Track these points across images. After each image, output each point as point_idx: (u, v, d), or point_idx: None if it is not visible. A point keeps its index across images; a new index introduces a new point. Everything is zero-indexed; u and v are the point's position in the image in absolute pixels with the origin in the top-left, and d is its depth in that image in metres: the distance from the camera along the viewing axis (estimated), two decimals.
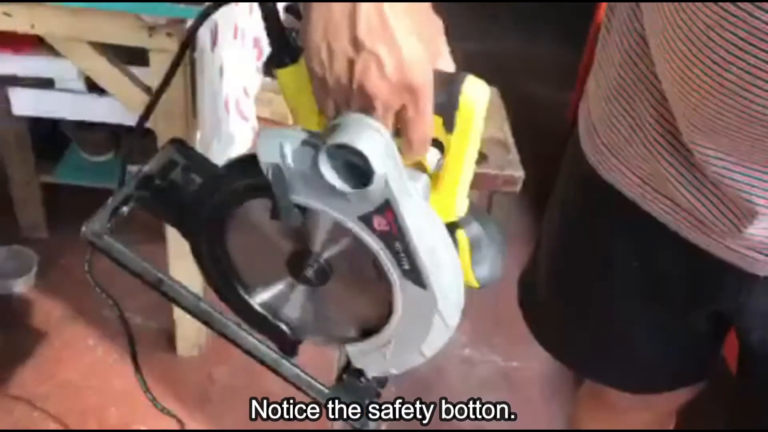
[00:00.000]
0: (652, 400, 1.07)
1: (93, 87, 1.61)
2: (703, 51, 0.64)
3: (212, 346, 1.76)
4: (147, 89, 1.40)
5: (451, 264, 0.62)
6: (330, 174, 0.57)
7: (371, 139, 0.55)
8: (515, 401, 1.77)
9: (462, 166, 0.62)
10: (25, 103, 1.68)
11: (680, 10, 0.66)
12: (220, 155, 1.49)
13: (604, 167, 0.86)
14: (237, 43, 1.58)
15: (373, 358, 0.70)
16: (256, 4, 0.65)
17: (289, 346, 0.74)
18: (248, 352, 0.73)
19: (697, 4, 0.63)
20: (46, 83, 1.64)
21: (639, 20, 0.77)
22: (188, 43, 0.71)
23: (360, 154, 0.55)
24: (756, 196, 0.72)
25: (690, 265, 0.84)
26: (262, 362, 0.72)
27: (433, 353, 0.68)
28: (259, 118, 1.77)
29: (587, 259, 0.95)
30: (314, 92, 0.60)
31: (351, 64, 0.55)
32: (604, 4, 2.19)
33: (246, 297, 0.73)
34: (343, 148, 0.55)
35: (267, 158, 0.59)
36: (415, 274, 0.61)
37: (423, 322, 0.65)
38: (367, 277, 0.65)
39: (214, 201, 0.67)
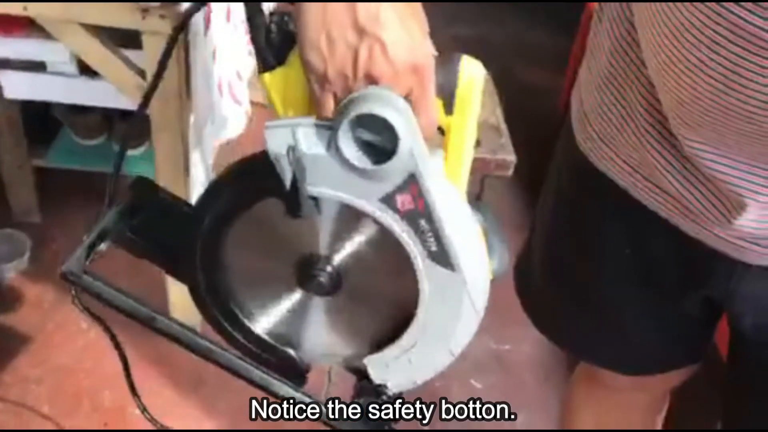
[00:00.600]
0: (646, 381, 1.08)
1: (85, 70, 1.60)
2: (686, 47, 0.65)
3: (206, 328, 1.76)
4: (140, 72, 1.40)
5: (477, 240, 0.60)
6: (351, 152, 0.55)
7: (393, 107, 0.54)
8: (508, 384, 1.78)
9: (464, 147, 0.61)
10: (16, 86, 1.67)
11: (664, 7, 0.66)
12: (214, 138, 1.49)
13: (596, 155, 0.86)
14: (229, 26, 1.58)
15: (396, 368, 0.66)
16: None
17: (298, 374, 0.70)
18: (254, 383, 0.69)
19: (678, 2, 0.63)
20: (38, 66, 1.63)
21: (630, 8, 0.77)
22: (182, 27, 0.69)
23: (384, 124, 0.53)
24: (744, 189, 0.72)
25: (681, 253, 0.85)
26: (272, 393, 0.68)
27: (461, 349, 0.65)
28: (252, 103, 1.77)
29: (580, 246, 0.96)
30: (310, 90, 0.59)
31: (354, 51, 0.55)
32: None
33: (251, 327, 0.69)
34: (363, 122, 0.54)
35: (279, 146, 0.56)
36: (442, 255, 0.59)
37: (452, 310, 0.62)
38: (386, 272, 0.62)
39: (212, 216, 0.63)
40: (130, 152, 1.91)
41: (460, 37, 2.82)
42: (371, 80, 0.56)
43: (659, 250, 0.87)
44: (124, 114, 1.84)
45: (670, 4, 0.65)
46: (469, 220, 0.60)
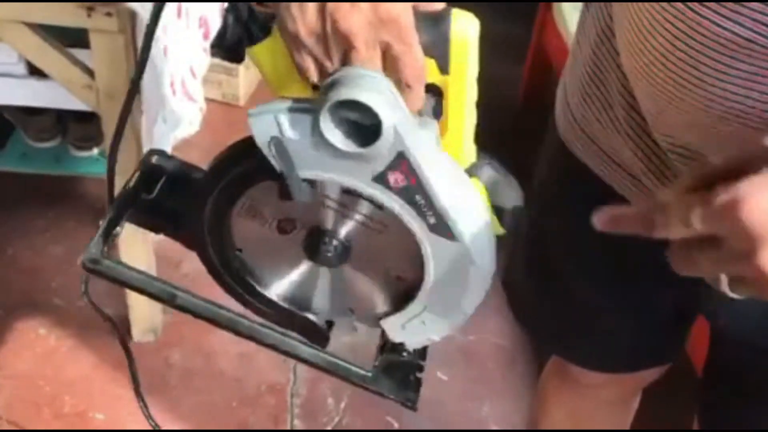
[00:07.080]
0: (617, 378, 1.08)
1: (35, 71, 1.57)
2: (645, 43, 0.66)
3: (167, 331, 1.75)
4: (88, 71, 1.37)
5: (477, 207, 0.59)
6: (334, 136, 0.54)
7: (373, 89, 0.53)
8: (473, 374, 1.79)
9: (465, 106, 0.59)
10: None
11: (629, 6, 0.68)
12: (167, 136, 1.47)
13: (576, 145, 0.86)
14: (181, 23, 1.55)
15: (411, 329, 0.67)
16: None
17: (319, 336, 0.70)
18: (278, 349, 0.68)
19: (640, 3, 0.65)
20: None
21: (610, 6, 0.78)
22: (159, 12, 0.66)
23: (364, 107, 0.52)
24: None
25: (656, 246, 0.84)
26: (296, 357, 0.68)
27: (474, 309, 0.64)
28: (209, 100, 1.75)
29: (558, 237, 0.95)
30: (291, 56, 0.58)
31: (322, 8, 0.54)
32: None
33: (267, 294, 0.69)
34: (345, 104, 0.52)
35: (264, 136, 0.56)
36: (442, 227, 0.58)
37: (459, 277, 0.61)
38: (392, 244, 0.62)
39: (216, 197, 0.63)
40: (85, 153, 1.88)
41: None
42: (343, 38, 0.54)
43: (634, 242, 0.86)
44: (77, 114, 1.81)
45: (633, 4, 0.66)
46: (466, 187, 0.58)
